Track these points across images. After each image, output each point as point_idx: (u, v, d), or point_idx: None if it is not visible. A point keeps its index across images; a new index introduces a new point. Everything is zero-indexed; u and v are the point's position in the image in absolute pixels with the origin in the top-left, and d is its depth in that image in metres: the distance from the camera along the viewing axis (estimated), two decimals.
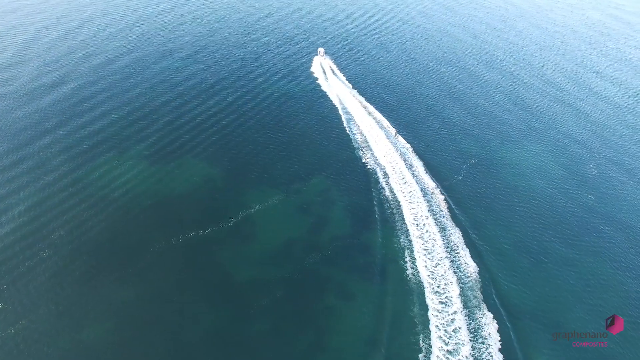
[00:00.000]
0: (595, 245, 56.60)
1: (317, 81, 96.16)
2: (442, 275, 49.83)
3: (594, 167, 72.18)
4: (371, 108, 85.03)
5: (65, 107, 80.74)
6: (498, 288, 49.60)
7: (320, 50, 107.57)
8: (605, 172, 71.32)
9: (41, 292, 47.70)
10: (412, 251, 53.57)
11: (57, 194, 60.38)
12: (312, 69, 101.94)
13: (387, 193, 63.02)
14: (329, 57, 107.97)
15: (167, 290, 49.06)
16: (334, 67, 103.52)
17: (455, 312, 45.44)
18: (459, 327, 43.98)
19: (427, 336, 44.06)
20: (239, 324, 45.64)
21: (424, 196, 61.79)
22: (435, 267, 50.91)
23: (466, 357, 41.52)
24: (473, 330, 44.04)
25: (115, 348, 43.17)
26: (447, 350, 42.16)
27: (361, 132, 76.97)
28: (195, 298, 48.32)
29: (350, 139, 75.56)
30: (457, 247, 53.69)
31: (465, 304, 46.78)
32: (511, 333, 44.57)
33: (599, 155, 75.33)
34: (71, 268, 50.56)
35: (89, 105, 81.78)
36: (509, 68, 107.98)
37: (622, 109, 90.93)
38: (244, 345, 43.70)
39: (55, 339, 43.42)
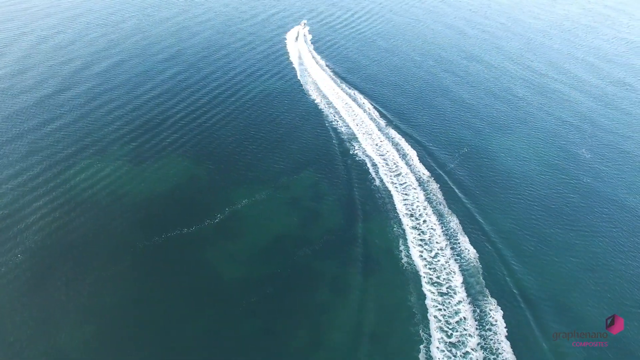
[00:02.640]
0: (594, 233, 54.76)
1: (299, 74, 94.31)
2: (443, 265, 47.65)
3: (587, 150, 71.10)
4: (360, 99, 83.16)
5: (40, 110, 76.96)
6: (499, 275, 47.57)
7: (303, 22, 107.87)
8: (598, 155, 70.35)
9: (14, 298, 44.20)
10: (407, 241, 51.33)
11: (31, 198, 56.82)
12: (291, 54, 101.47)
13: (380, 184, 60.90)
14: (308, 26, 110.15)
15: (150, 291, 45.96)
16: (312, 42, 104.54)
17: (460, 302, 43.31)
18: (465, 317, 41.81)
19: (428, 328, 41.77)
20: (227, 323, 42.73)
21: (418, 185, 59.84)
22: (435, 256, 48.73)
23: (473, 348, 39.38)
24: (478, 317, 41.96)
25: (96, 354, 39.98)
26: (451, 343, 39.94)
27: (351, 124, 74.83)
28: (181, 298, 45.29)
29: (339, 132, 73.34)
30: (456, 233, 51.65)
31: (468, 291, 44.71)
32: (515, 319, 42.66)
33: (591, 138, 74.39)
34: (47, 272, 47.10)
35: (65, 107, 78.18)
36: (497, 58, 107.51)
37: (610, 93, 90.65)
38: (234, 346, 40.78)
39: (31, 347, 40.00)
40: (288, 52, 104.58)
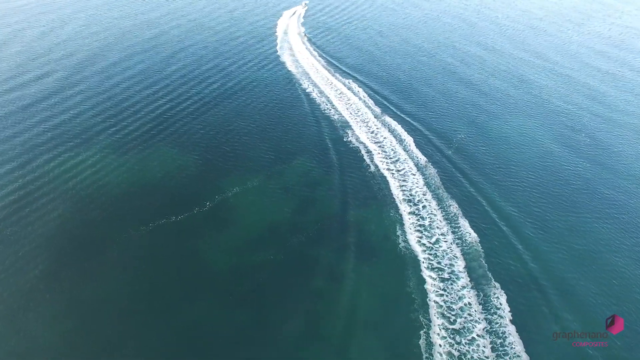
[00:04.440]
0: (594, 220, 52.72)
1: (292, 60, 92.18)
2: (445, 250, 45.70)
3: (587, 135, 69.55)
4: (355, 87, 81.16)
5: (23, 103, 74.35)
6: (501, 259, 45.67)
7: (304, 2, 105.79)
8: (598, 139, 68.93)
9: None
10: (404, 227, 49.26)
11: (14, 188, 54.21)
12: (284, 39, 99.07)
13: (375, 171, 58.83)
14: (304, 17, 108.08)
15: (137, 282, 43.43)
16: (308, 26, 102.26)
17: (464, 287, 41.42)
18: (470, 303, 39.90)
19: (429, 314, 39.73)
20: (218, 314, 40.40)
21: (417, 171, 57.99)
22: (436, 242, 46.70)
23: (478, 334, 37.50)
24: (482, 302, 40.12)
25: (78, 350, 37.45)
26: (454, 329, 37.96)
27: (344, 112, 72.73)
28: (169, 289, 42.88)
29: (332, 119, 71.21)
30: (457, 218, 49.80)
31: (471, 275, 42.82)
32: (518, 305, 40.84)
33: (590, 123, 72.92)
34: (26, 265, 44.41)
35: (50, 99, 75.57)
36: (495, 44, 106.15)
37: (609, 78, 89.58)
38: (225, 337, 38.45)
39: (4, 344, 37.54)
40: (281, 37, 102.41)
